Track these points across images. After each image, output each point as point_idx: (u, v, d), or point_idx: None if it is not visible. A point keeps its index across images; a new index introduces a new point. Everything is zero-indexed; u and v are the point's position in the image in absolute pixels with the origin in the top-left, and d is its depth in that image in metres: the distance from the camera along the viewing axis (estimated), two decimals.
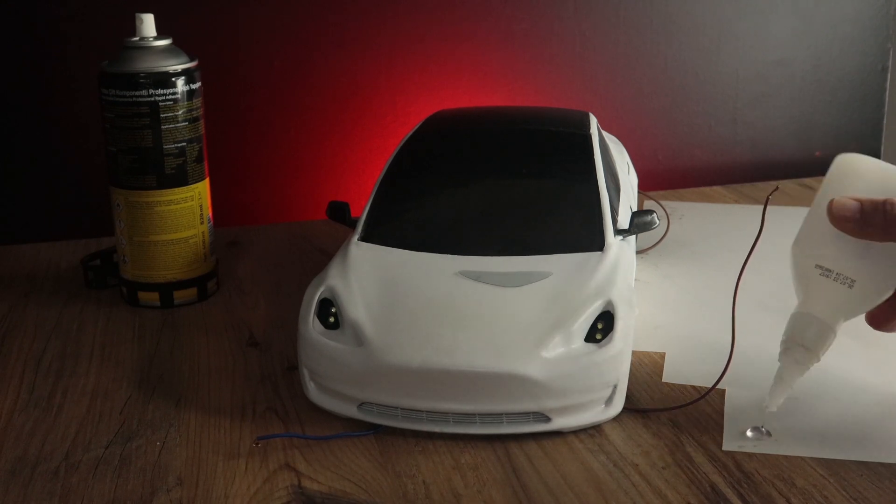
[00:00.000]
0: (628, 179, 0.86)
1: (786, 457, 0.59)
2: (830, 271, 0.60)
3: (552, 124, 0.79)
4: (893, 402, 0.65)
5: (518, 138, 0.77)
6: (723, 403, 0.65)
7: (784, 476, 0.57)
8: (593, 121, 0.80)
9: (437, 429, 0.62)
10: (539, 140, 0.77)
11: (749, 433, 0.61)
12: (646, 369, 0.70)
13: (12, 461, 0.60)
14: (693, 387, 0.67)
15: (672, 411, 0.64)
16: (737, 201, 1.09)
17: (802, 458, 0.59)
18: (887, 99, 1.26)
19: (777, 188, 0.72)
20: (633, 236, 0.73)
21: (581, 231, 0.69)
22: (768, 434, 0.61)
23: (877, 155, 1.27)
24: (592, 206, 0.70)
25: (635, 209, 0.82)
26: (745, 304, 0.66)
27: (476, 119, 0.84)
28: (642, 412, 0.64)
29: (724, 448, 0.60)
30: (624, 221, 0.72)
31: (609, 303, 0.63)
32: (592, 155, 0.74)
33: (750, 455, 0.59)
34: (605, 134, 0.84)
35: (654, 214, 0.72)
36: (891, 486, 0.56)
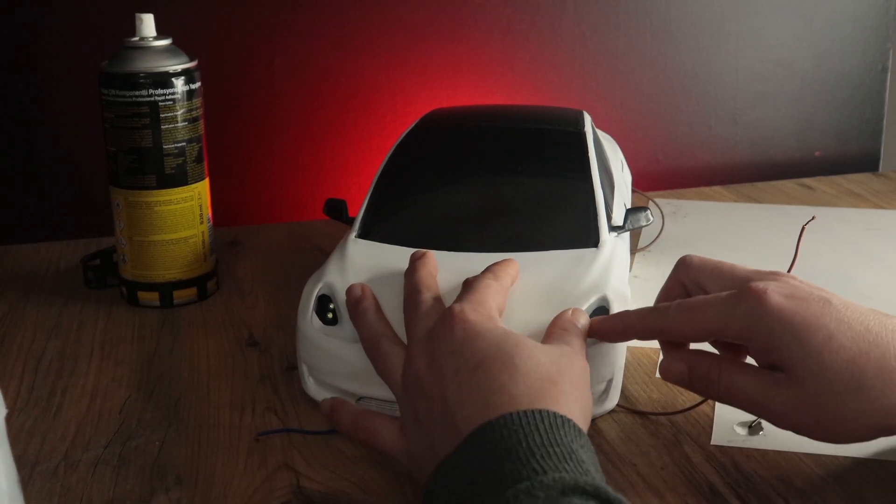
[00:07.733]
0: (622, 177, 0.86)
1: (784, 457, 0.59)
2: None
3: (547, 122, 0.80)
4: None
5: (513, 136, 0.77)
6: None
7: (782, 476, 0.57)
8: (587, 119, 0.81)
9: None
10: (534, 138, 0.77)
11: (738, 429, 0.61)
12: (642, 367, 0.71)
13: None
14: None
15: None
16: (737, 201, 1.09)
17: (801, 459, 0.59)
18: (887, 99, 1.26)
19: (814, 218, 0.68)
20: (628, 233, 0.74)
21: (576, 227, 0.69)
22: (760, 429, 0.61)
23: (877, 155, 1.26)
24: (587, 203, 0.70)
25: (629, 206, 0.82)
26: None
27: (471, 117, 0.84)
28: (641, 415, 0.64)
29: (712, 443, 0.60)
30: (618, 218, 0.72)
31: (604, 298, 0.63)
32: (587, 152, 0.74)
33: (748, 455, 0.59)
34: (598, 132, 0.85)
35: (649, 211, 0.72)
36: (889, 486, 0.56)
